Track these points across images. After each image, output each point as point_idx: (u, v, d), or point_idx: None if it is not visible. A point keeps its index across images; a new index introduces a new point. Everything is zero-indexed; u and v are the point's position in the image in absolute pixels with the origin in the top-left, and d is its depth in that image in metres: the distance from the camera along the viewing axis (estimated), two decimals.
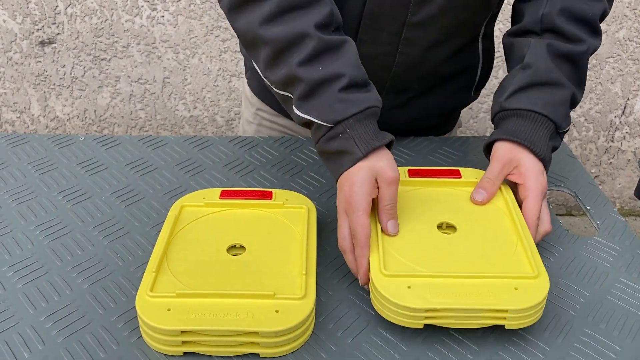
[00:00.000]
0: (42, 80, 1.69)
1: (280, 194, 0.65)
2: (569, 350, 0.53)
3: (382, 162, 0.57)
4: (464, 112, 1.74)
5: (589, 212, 0.71)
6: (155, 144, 0.81)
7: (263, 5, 0.57)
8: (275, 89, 0.61)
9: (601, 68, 1.68)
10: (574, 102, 0.66)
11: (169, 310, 0.51)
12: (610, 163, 1.88)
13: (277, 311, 0.51)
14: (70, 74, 1.68)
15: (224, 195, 0.65)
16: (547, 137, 0.63)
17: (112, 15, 1.58)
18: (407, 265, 0.54)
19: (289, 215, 0.63)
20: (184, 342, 0.50)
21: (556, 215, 0.70)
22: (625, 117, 1.78)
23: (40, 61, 1.65)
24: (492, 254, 0.56)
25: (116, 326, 0.53)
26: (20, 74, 1.67)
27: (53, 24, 1.60)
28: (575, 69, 0.65)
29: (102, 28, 1.60)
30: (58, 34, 1.62)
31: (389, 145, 0.59)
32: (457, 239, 0.58)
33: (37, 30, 1.61)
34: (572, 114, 1.76)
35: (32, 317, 0.54)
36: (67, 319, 0.54)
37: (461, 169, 0.67)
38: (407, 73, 0.75)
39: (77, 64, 1.66)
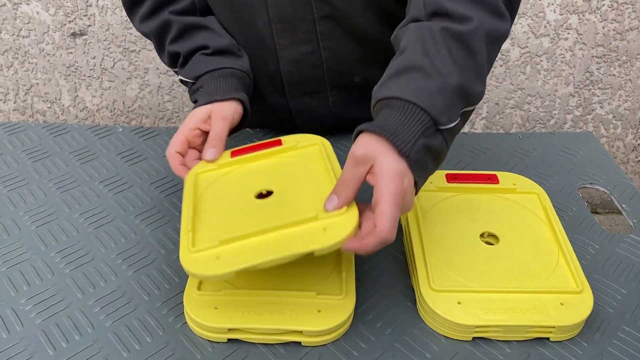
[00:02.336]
0: (72, 72, 1.72)
1: (289, 139, 0.63)
2: (606, 346, 0.53)
3: (215, 107, 0.66)
4: (491, 109, 1.74)
5: (624, 210, 0.71)
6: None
7: (141, 7, 0.74)
8: (172, 69, 0.76)
9: (631, 65, 1.66)
10: (469, 94, 0.52)
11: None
12: (638, 161, 1.85)
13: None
14: (100, 65, 1.70)
15: (235, 154, 0.63)
16: (419, 131, 0.50)
17: None
18: (456, 280, 0.55)
19: (306, 155, 0.61)
20: (229, 330, 0.52)
21: (591, 212, 0.70)
22: None
23: (71, 52, 1.68)
24: (535, 267, 0.57)
25: (161, 312, 0.55)
26: (51, 65, 1.70)
27: (85, 15, 1.63)
28: (467, 51, 0.52)
29: None
30: (89, 25, 1.65)
31: (243, 102, 0.68)
32: (500, 250, 0.59)
33: (69, 22, 1.64)
34: (600, 111, 1.74)
35: (81, 301, 0.56)
36: (114, 304, 0.56)
37: (498, 174, 0.68)
38: (340, 66, 0.74)
39: (107, 56, 1.69)
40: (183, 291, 0.57)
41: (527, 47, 1.63)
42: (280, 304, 0.53)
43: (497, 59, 1.64)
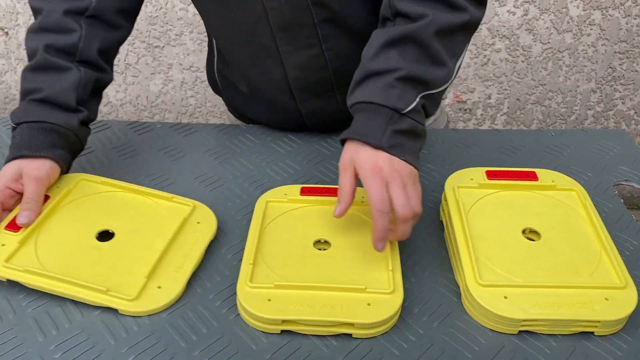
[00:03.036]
0: None
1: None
2: None
3: (26, 165, 0.63)
4: (512, 104, 1.74)
5: None
6: (228, 132, 0.85)
7: (35, 21, 0.70)
8: None
9: None
10: (421, 80, 0.60)
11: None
12: None
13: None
14: (125, 60, 1.72)
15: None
16: (385, 122, 0.58)
17: (167, 3, 1.62)
18: (501, 275, 0.57)
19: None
20: (283, 321, 0.53)
21: (627, 209, 0.71)
22: None
23: None
24: (578, 262, 0.58)
25: (214, 304, 0.57)
26: None
27: None
28: (419, 47, 0.60)
29: (157, 16, 1.64)
30: None
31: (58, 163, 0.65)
32: (543, 246, 0.60)
33: None
34: (621, 107, 1.74)
35: None
36: None
37: (537, 171, 0.69)
38: (345, 65, 0.75)
39: (131, 51, 1.70)
40: (233, 284, 0.59)
41: (549, 42, 1.63)
42: (331, 298, 0.54)
43: (518, 55, 1.64)
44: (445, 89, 0.63)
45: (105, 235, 0.62)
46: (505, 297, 0.55)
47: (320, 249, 0.61)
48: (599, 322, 0.53)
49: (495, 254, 0.59)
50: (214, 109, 1.79)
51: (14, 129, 0.66)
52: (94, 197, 0.66)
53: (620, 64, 1.67)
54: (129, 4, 0.74)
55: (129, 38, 1.68)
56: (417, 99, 0.59)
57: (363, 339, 0.54)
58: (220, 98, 0.94)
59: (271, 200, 0.67)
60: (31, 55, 0.69)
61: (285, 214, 0.66)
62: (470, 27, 0.63)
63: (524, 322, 0.54)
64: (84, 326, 0.54)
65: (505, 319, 0.54)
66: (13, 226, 0.60)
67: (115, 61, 1.73)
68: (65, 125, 0.66)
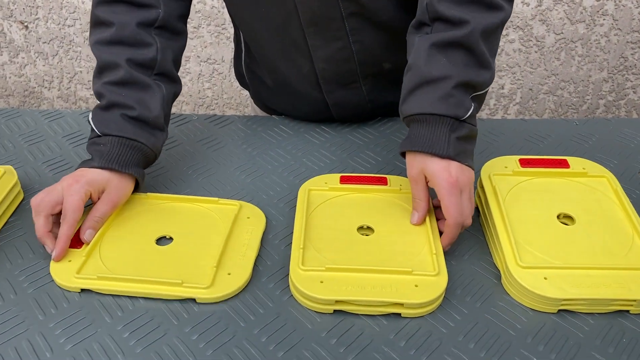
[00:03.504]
0: None
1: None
2: None
3: (113, 182, 0.65)
4: (524, 94, 1.76)
5: None
6: (263, 124, 0.87)
7: (104, 31, 0.70)
8: (95, 96, 0.71)
9: None
10: (472, 84, 0.62)
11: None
12: None
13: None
14: None
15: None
16: (447, 132, 0.61)
17: None
18: (540, 257, 0.60)
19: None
20: (336, 302, 0.56)
21: None
22: None
23: None
24: (612, 245, 0.61)
25: (268, 286, 0.60)
26: None
27: None
28: (468, 52, 0.62)
29: None
30: None
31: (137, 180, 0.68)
32: (578, 230, 0.63)
33: None
34: (633, 96, 1.76)
35: None
36: None
37: (568, 158, 0.72)
38: (370, 57, 0.78)
39: None
40: (283, 268, 0.62)
41: (562, 33, 1.66)
42: (380, 280, 0.58)
43: (532, 45, 1.66)
44: (487, 91, 0.66)
45: (163, 240, 0.65)
46: (545, 278, 0.58)
47: (364, 235, 0.64)
48: (634, 301, 0.56)
49: (533, 237, 0.62)
50: (230, 100, 1.82)
51: (97, 135, 0.67)
52: (144, 209, 0.68)
53: (632, 54, 1.69)
54: (186, 9, 0.76)
55: None
56: (472, 104, 0.62)
57: (411, 318, 0.57)
58: (238, 90, 0.97)
59: (313, 188, 0.70)
60: (107, 66, 0.69)
61: (328, 201, 0.68)
62: (505, 24, 0.65)
63: (564, 301, 0.57)
64: (148, 308, 0.57)
65: (545, 298, 0.57)
66: (74, 244, 0.62)
67: None
68: (152, 146, 0.69)
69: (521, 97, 1.78)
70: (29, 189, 0.73)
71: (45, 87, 1.82)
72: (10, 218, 0.68)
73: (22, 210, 0.70)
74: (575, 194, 0.68)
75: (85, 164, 0.66)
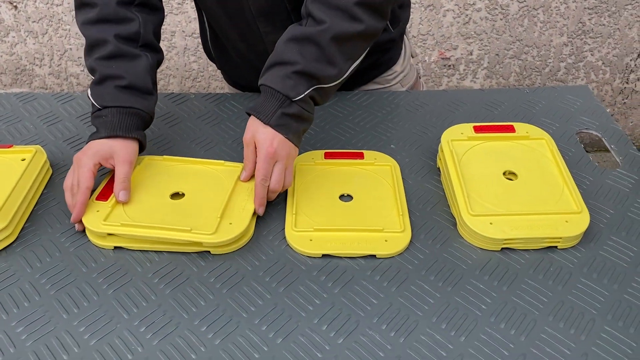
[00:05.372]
0: None
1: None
2: (599, 251, 0.72)
3: (117, 147, 0.75)
4: (491, 59, 1.89)
5: (612, 149, 0.89)
6: (254, 100, 0.99)
7: (89, 12, 0.79)
8: (88, 71, 0.80)
9: (620, 15, 1.81)
10: (314, 76, 0.72)
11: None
12: (624, 103, 2.03)
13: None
14: None
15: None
16: (276, 105, 0.71)
17: None
18: (487, 207, 0.73)
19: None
20: (322, 255, 0.70)
21: (586, 152, 0.88)
22: None
23: None
24: (546, 195, 0.75)
25: (268, 239, 0.73)
26: None
27: None
28: (318, 48, 0.71)
29: None
30: None
31: (140, 141, 0.78)
32: (519, 184, 0.77)
33: None
34: (591, 58, 1.90)
35: None
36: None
37: (514, 124, 0.85)
38: None
39: None
40: (278, 224, 0.75)
41: (525, 1, 1.77)
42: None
43: (497, 13, 1.78)
44: (337, 84, 0.75)
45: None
46: (491, 223, 0.72)
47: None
48: (560, 238, 0.71)
49: (483, 191, 0.76)
50: (215, 72, 1.91)
51: (98, 110, 0.77)
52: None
53: (589, 19, 1.82)
54: None
55: None
56: (308, 91, 0.72)
57: (384, 258, 0.71)
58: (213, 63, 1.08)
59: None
60: (96, 43, 0.78)
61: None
62: (366, 36, 0.74)
63: (505, 240, 0.71)
64: (171, 259, 0.70)
65: (490, 239, 0.71)
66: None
67: None
68: (147, 109, 0.79)
69: (488, 62, 1.91)
70: (54, 165, 0.85)
71: (37, 65, 1.89)
72: (44, 191, 0.80)
73: (52, 184, 0.82)
74: (518, 154, 0.82)
75: (93, 136, 0.76)
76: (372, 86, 1.03)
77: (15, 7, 1.76)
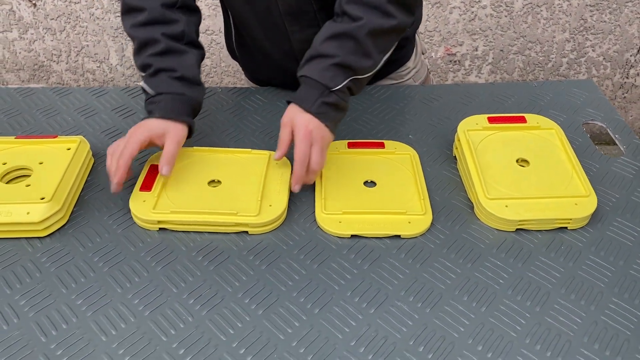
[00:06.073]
0: (120, 33, 1.89)
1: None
2: (605, 232, 0.78)
3: (170, 127, 0.80)
4: (496, 55, 1.95)
5: (617, 139, 0.95)
6: (277, 94, 1.05)
7: (138, 16, 0.85)
8: (139, 71, 0.86)
9: (620, 11, 1.87)
10: (352, 68, 0.78)
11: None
12: (624, 97, 2.09)
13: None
14: None
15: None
16: (317, 94, 0.77)
17: None
18: (502, 191, 0.79)
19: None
20: (351, 235, 0.76)
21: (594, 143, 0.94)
22: None
23: (118, 16, 1.84)
24: (556, 180, 0.81)
25: (299, 221, 0.79)
26: (101, 27, 1.87)
27: None
28: (355, 42, 0.77)
29: None
30: None
31: (190, 127, 0.83)
32: (531, 170, 0.83)
33: None
34: (592, 54, 1.96)
35: None
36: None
37: (526, 115, 0.91)
38: None
39: None
40: (308, 208, 0.81)
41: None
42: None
43: (502, 10, 1.84)
44: (370, 76, 0.81)
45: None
46: (506, 206, 0.78)
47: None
48: (570, 219, 0.77)
49: (498, 177, 0.82)
50: (228, 68, 1.97)
51: (152, 96, 0.83)
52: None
53: (590, 16, 1.88)
54: None
55: None
56: (345, 82, 0.78)
57: (408, 238, 0.77)
58: (235, 61, 1.14)
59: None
60: (147, 43, 0.84)
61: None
62: (398, 30, 0.81)
63: (519, 222, 0.77)
64: (212, 239, 0.76)
65: (506, 220, 0.77)
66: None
67: None
68: (197, 98, 0.86)
69: (493, 58, 1.96)
70: (95, 154, 0.90)
71: (54, 61, 1.94)
72: (88, 178, 0.86)
73: (94, 172, 0.87)
74: (530, 143, 0.88)
75: (147, 117, 0.81)
76: (387, 82, 1.08)
77: (35, 5, 1.81)
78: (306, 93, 0.79)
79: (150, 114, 0.83)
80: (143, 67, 0.85)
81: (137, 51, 0.86)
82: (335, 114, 0.80)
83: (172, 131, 0.80)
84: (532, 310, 0.68)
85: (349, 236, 0.77)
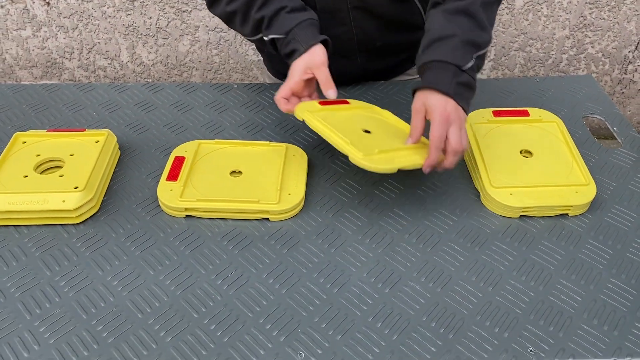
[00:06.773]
0: (131, 31, 1.93)
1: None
2: (604, 218, 0.83)
3: (315, 54, 0.85)
4: (497, 52, 2.00)
5: (615, 131, 1.00)
6: None
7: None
8: (251, 39, 0.91)
9: (619, 9, 1.92)
10: (475, 43, 0.79)
11: (510, 194, 0.82)
12: (623, 92, 2.15)
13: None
14: (156, 24, 1.92)
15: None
16: (451, 75, 0.77)
17: None
18: (507, 180, 0.84)
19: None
20: None
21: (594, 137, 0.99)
22: (638, 52, 2.03)
23: (129, 14, 1.89)
24: (558, 170, 0.86)
25: (317, 209, 0.84)
26: (112, 25, 1.91)
27: None
28: (471, 17, 0.79)
29: None
30: None
31: (325, 43, 0.87)
32: (534, 161, 0.88)
33: None
34: (591, 50, 2.01)
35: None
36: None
37: (529, 109, 0.96)
38: (366, 37, 1.02)
39: (161, 16, 1.90)
40: (325, 196, 0.86)
41: None
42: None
43: (503, 8, 1.88)
44: (487, 52, 0.83)
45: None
46: (511, 194, 0.83)
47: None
48: (571, 206, 0.82)
49: (502, 167, 0.87)
50: (236, 65, 2.01)
51: (284, 38, 0.87)
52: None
53: (590, 13, 1.92)
54: None
55: (160, 4, 1.87)
56: (473, 59, 0.80)
57: (420, 225, 0.82)
58: (243, 56, 1.20)
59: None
60: (248, 6, 0.88)
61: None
62: (500, 1, 0.85)
63: (523, 208, 0.82)
64: (235, 225, 0.81)
65: (510, 207, 0.82)
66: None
67: (147, 25, 1.93)
68: (314, 17, 0.89)
69: (495, 54, 2.01)
70: (121, 147, 0.95)
71: (67, 58, 1.99)
72: (115, 169, 0.91)
73: (121, 163, 0.92)
74: (533, 135, 0.93)
75: (293, 59, 0.87)
76: (404, 77, 1.14)
77: (48, 3, 1.86)
78: (439, 76, 0.78)
79: (292, 54, 0.86)
80: (257, 26, 0.89)
81: (242, 20, 0.90)
82: (468, 93, 0.80)
83: (311, 62, 0.85)
84: (535, 289, 0.73)
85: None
